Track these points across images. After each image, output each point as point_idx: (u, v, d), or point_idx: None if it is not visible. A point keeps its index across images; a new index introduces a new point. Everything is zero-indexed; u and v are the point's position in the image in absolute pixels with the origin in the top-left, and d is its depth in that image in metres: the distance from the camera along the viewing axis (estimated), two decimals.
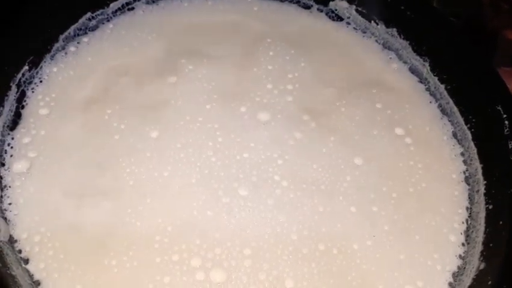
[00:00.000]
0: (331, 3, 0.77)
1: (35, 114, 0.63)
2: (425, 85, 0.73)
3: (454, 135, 0.69)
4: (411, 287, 0.58)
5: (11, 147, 0.60)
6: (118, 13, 0.73)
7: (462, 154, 0.68)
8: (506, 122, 0.64)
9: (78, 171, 0.59)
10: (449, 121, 0.70)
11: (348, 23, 0.77)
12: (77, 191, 0.58)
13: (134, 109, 0.64)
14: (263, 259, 0.56)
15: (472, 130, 0.68)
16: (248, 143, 0.63)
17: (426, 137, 0.68)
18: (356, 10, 0.76)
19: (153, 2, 0.75)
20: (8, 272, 0.51)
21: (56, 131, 0.62)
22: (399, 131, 0.68)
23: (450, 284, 0.59)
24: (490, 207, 0.62)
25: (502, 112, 0.65)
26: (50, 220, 0.56)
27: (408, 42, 0.74)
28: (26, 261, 0.54)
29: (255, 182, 0.61)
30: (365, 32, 0.76)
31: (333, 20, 0.77)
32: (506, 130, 0.64)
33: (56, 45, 0.68)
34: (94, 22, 0.71)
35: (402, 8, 0.73)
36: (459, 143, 0.68)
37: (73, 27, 0.69)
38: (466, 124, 0.68)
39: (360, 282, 0.57)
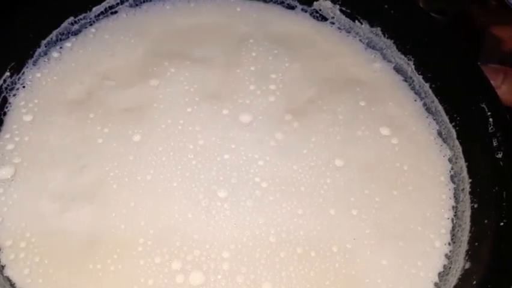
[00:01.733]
0: (315, 3, 0.76)
1: (18, 121, 0.63)
2: (410, 84, 0.72)
3: (439, 133, 0.69)
4: None
5: None
6: (101, 17, 0.73)
7: (447, 153, 0.67)
8: (491, 120, 0.63)
9: (62, 176, 0.60)
10: (434, 120, 0.69)
11: (333, 23, 0.76)
12: (61, 196, 0.58)
13: (117, 113, 0.64)
14: (241, 262, 0.56)
15: (457, 128, 0.67)
16: (229, 145, 0.63)
17: (412, 137, 0.68)
18: (340, 10, 0.75)
19: (136, 5, 0.75)
20: None
21: (39, 137, 0.62)
22: (385, 130, 0.67)
23: (435, 284, 0.59)
24: (475, 205, 0.62)
25: (487, 110, 0.64)
26: (35, 226, 0.57)
27: (392, 41, 0.73)
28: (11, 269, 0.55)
29: (234, 183, 0.61)
30: (349, 32, 0.76)
31: (318, 20, 0.77)
32: (490, 128, 0.63)
33: (39, 50, 0.68)
34: (76, 27, 0.71)
35: (386, 6, 0.72)
36: (444, 142, 0.68)
37: (55, 32, 0.69)
38: (451, 122, 0.68)
39: (339, 287, 0.56)
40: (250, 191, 0.61)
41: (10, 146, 0.61)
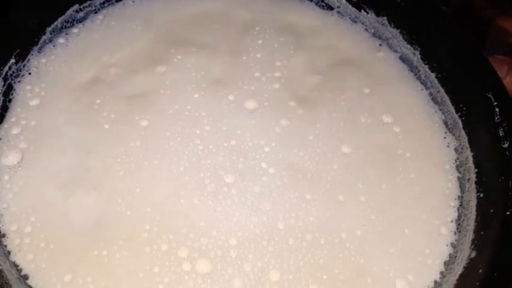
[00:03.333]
0: None
1: (24, 105, 0.63)
2: (415, 74, 0.72)
3: (445, 123, 0.68)
4: (402, 281, 0.57)
5: (0, 139, 0.60)
6: (106, 4, 0.73)
7: (453, 142, 0.67)
8: (497, 110, 0.63)
9: (68, 162, 0.59)
10: (440, 110, 0.69)
11: (339, 12, 0.76)
12: (67, 182, 0.58)
13: (124, 99, 0.64)
14: (248, 250, 0.56)
15: (463, 118, 0.67)
16: (235, 131, 0.63)
17: (416, 125, 0.68)
18: None
19: None
20: None
21: (46, 121, 0.62)
22: (387, 118, 0.67)
23: (441, 273, 0.58)
24: (481, 195, 0.62)
25: (493, 100, 0.64)
26: (41, 211, 0.56)
27: (398, 31, 0.73)
28: (15, 254, 0.54)
29: (241, 169, 0.61)
30: (354, 21, 0.76)
31: (323, 8, 0.76)
32: (497, 118, 0.63)
33: (44, 37, 0.68)
34: (81, 14, 0.71)
35: None
36: (450, 131, 0.68)
37: (60, 19, 0.69)
38: (457, 112, 0.68)
39: (348, 275, 0.56)
40: (257, 176, 0.60)
41: (16, 130, 0.61)
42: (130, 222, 0.56)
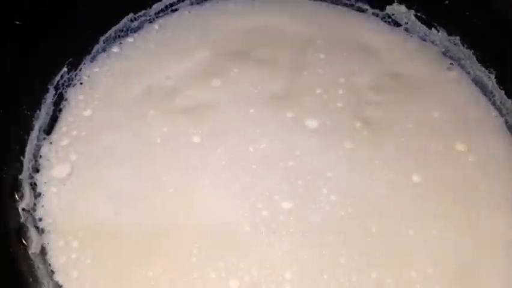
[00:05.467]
0: (388, 7, 0.71)
1: (75, 115, 0.61)
2: (490, 99, 0.66)
3: None
4: None
5: (49, 149, 0.58)
6: (161, 14, 0.70)
7: None
8: None
9: (118, 176, 0.57)
10: None
11: (406, 29, 0.71)
12: (117, 197, 0.56)
13: (177, 112, 0.61)
14: (306, 285, 0.51)
15: None
16: (293, 151, 0.59)
17: (491, 156, 0.62)
18: (415, 15, 0.70)
19: (197, 3, 0.71)
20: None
21: (97, 133, 0.59)
22: (460, 146, 0.61)
23: None
24: None
25: None
26: (89, 226, 0.54)
27: (472, 51, 0.67)
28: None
29: (300, 193, 0.56)
30: (424, 40, 0.70)
31: (389, 24, 0.71)
32: None
33: (97, 46, 0.65)
34: (136, 23, 0.68)
35: (468, 14, 0.66)
36: None
37: (113, 29, 0.67)
38: None
39: None
40: (317, 204, 0.56)
41: (66, 141, 0.59)
42: (178, 244, 0.53)
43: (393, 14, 0.71)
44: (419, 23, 0.71)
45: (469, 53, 0.68)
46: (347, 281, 0.52)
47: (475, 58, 0.67)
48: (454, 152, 0.61)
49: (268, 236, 0.54)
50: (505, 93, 0.65)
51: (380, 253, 0.53)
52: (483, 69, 0.67)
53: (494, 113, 0.65)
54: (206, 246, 0.53)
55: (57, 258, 0.52)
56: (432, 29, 0.70)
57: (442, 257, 0.54)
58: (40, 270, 0.51)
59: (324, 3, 0.73)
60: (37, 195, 0.55)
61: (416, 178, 0.59)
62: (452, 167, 0.60)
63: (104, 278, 0.51)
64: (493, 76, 0.66)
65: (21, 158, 0.56)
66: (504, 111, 0.65)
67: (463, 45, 0.68)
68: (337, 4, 0.73)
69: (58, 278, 0.51)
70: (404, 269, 0.53)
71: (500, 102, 0.65)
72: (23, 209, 0.53)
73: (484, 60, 0.67)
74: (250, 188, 0.56)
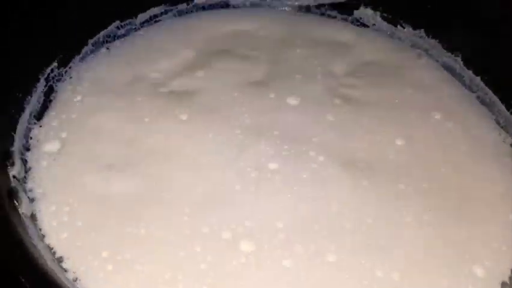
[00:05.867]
0: (355, 12, 0.77)
1: (65, 102, 0.62)
2: (460, 80, 0.70)
3: (497, 122, 0.66)
4: (478, 267, 0.52)
5: (39, 131, 0.59)
6: (146, 24, 0.74)
7: (508, 139, 0.64)
8: None
9: (108, 149, 0.57)
10: (490, 111, 0.67)
11: (375, 29, 0.77)
12: (107, 167, 0.56)
13: (165, 96, 0.63)
14: (299, 232, 0.52)
15: None
16: (278, 124, 0.61)
17: (468, 122, 0.65)
18: (382, 16, 0.76)
19: (179, 15, 0.76)
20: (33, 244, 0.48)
21: (87, 115, 0.60)
22: (437, 115, 0.65)
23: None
24: None
25: None
26: (79, 194, 0.53)
27: (437, 41, 0.73)
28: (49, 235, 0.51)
29: (286, 155, 0.57)
30: (391, 37, 0.76)
31: (358, 26, 0.77)
32: None
33: (86, 48, 0.68)
34: (122, 31, 0.72)
35: (429, 7, 0.72)
36: (503, 129, 0.65)
37: (102, 33, 0.70)
38: (508, 110, 0.65)
39: (417, 259, 0.51)
40: (305, 163, 0.57)
41: (56, 122, 0.59)
42: (169, 205, 0.53)
43: (361, 18, 0.77)
44: (386, 23, 0.76)
45: (434, 42, 0.73)
46: (339, 228, 0.52)
47: (440, 46, 0.73)
48: (432, 119, 0.64)
49: (259, 192, 0.54)
50: (473, 72, 0.69)
51: (372, 202, 0.54)
52: (449, 54, 0.72)
53: (465, 90, 0.69)
54: (198, 206, 0.53)
55: (49, 223, 0.51)
56: (398, 26, 0.76)
57: (435, 205, 0.55)
58: (31, 231, 0.49)
59: (295, 12, 0.79)
60: (28, 170, 0.55)
61: (399, 141, 0.61)
62: (433, 132, 0.63)
63: (95, 238, 0.50)
64: (459, 59, 0.71)
65: (13, 133, 0.56)
66: (475, 89, 0.69)
67: (428, 37, 0.74)
68: (308, 12, 0.79)
69: (49, 240, 0.50)
70: (396, 212, 0.54)
71: (470, 81, 0.70)
72: (14, 176, 0.53)
73: (449, 47, 0.72)
74: (238, 154, 0.58)
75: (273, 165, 0.56)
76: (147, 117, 0.60)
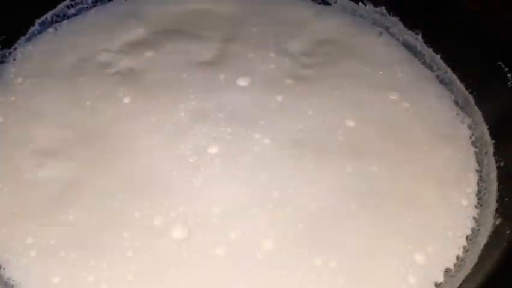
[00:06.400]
0: None
1: (4, 83, 0.61)
2: (420, 58, 0.68)
3: (456, 103, 0.64)
4: (420, 255, 0.50)
5: None
6: (99, 4, 0.72)
7: (466, 120, 0.62)
8: (510, 75, 0.58)
9: (44, 133, 0.56)
10: (449, 90, 0.65)
11: (336, 7, 0.74)
12: (40, 151, 0.55)
13: (109, 77, 0.62)
14: (236, 217, 0.50)
15: (474, 94, 0.62)
16: (225, 106, 0.59)
17: (425, 103, 0.62)
18: None
19: None
20: None
21: (25, 98, 0.59)
22: (394, 96, 0.62)
23: (464, 247, 0.51)
24: (501, 164, 0.56)
25: (504, 66, 0.59)
26: (8, 177, 0.52)
27: (398, 18, 0.70)
28: None
29: (228, 139, 0.56)
30: (353, 14, 0.73)
31: (319, 3, 0.74)
32: (510, 83, 0.58)
33: (32, 28, 0.67)
34: (73, 11, 0.70)
35: None
36: (461, 110, 0.63)
37: (50, 13, 0.68)
38: (467, 89, 0.63)
39: (361, 243, 0.50)
40: (248, 147, 0.55)
41: None
42: (102, 190, 0.52)
43: None
44: (347, 1, 0.74)
45: (395, 20, 0.71)
46: (280, 214, 0.51)
47: (402, 24, 0.70)
48: (388, 100, 0.62)
49: (196, 177, 0.53)
50: (433, 50, 0.67)
51: (316, 187, 0.53)
52: (410, 32, 0.69)
53: (425, 70, 0.67)
54: (131, 191, 0.52)
55: None
56: (360, 3, 0.73)
57: (382, 190, 0.54)
58: None
59: None
60: None
61: (350, 123, 0.59)
62: (387, 113, 0.61)
63: (21, 224, 0.49)
64: (420, 37, 0.68)
65: None
66: (435, 68, 0.67)
67: (390, 14, 0.71)
68: None
69: None
70: (341, 198, 0.52)
71: (430, 59, 0.67)
72: None
73: (410, 25, 0.70)
74: (179, 138, 0.56)
75: (213, 149, 0.55)
76: (89, 99, 0.59)
